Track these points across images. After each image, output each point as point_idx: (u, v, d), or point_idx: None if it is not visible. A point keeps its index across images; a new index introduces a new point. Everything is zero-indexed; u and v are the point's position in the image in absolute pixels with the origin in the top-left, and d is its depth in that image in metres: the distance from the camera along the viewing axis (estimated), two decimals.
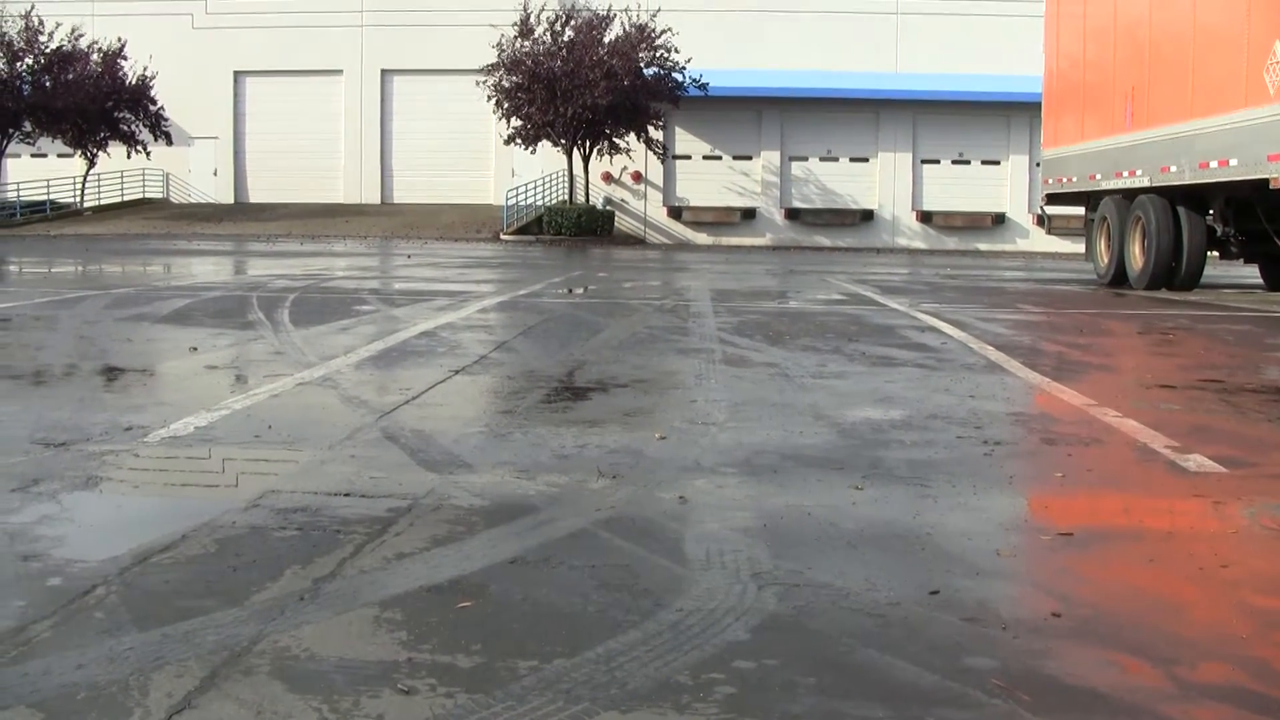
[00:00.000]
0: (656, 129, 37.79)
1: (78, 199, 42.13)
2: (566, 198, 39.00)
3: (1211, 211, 15.56)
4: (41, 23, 38.17)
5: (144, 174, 43.96)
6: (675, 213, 40.91)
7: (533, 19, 36.21)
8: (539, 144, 37.02)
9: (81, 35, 38.57)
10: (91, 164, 41.00)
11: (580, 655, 2.46)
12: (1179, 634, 2.73)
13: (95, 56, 38.69)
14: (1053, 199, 20.73)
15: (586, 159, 38.16)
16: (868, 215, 40.82)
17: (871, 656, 2.50)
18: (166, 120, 40.33)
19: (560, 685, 2.31)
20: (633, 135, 37.06)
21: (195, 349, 7.65)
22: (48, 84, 38.18)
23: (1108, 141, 17.45)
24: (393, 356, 7.43)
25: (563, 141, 36.97)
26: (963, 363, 7.54)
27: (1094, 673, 2.44)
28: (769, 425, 5.16)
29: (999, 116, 39.26)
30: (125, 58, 39.13)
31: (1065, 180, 19.32)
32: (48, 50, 38.48)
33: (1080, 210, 20.08)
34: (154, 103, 39.78)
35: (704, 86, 36.60)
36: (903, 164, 40.75)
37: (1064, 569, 3.25)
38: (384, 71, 43.62)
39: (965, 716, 2.23)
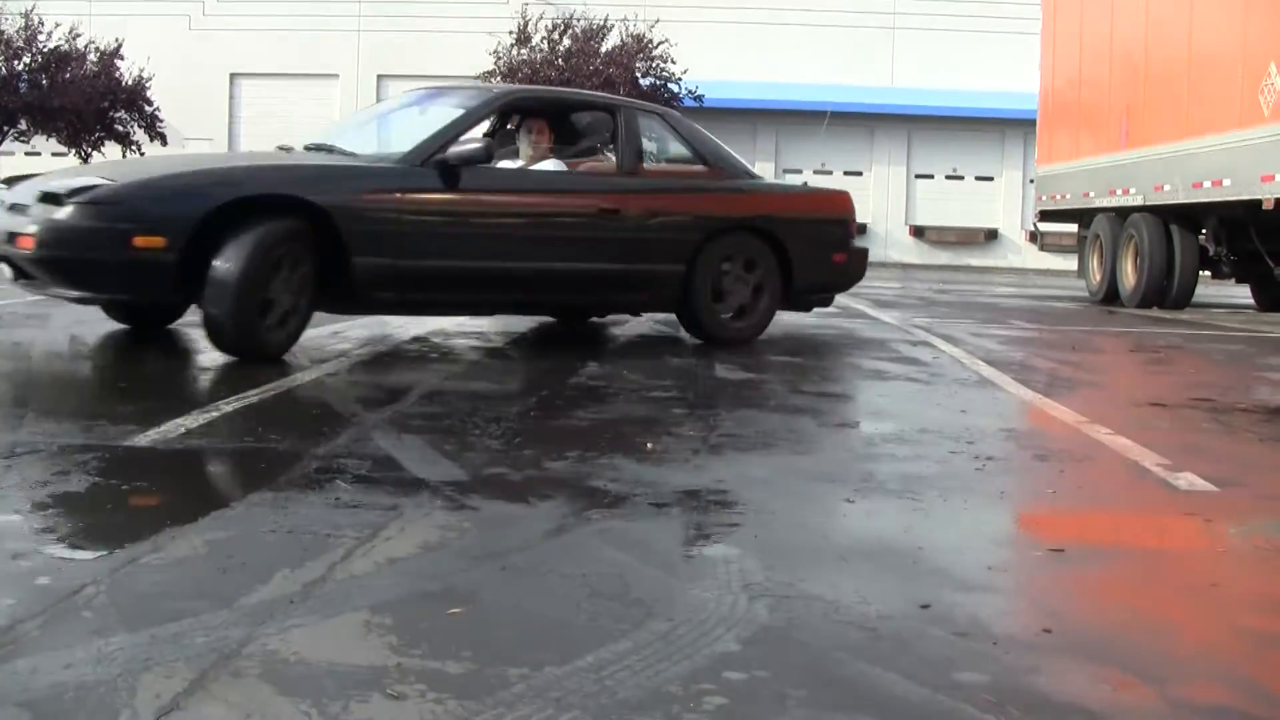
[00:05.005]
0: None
1: None
2: None
3: (1204, 231, 15.60)
4: (41, 22, 38.12)
5: None
6: None
7: (530, 26, 36.21)
8: None
9: (79, 35, 38.48)
10: (86, 163, 40.98)
11: (571, 664, 2.45)
12: (1170, 652, 2.74)
13: (92, 56, 38.62)
14: (1046, 216, 20.75)
15: None
16: (861, 229, 40.88)
17: (862, 669, 2.50)
18: (162, 121, 40.23)
19: (550, 693, 2.30)
20: None
21: (187, 350, 7.63)
22: (44, 83, 38.09)
23: (1102, 160, 17.50)
24: (385, 360, 7.42)
25: None
26: (955, 378, 7.54)
27: (1085, 690, 2.44)
28: (760, 436, 5.16)
29: (994, 132, 39.36)
30: (122, 58, 39.03)
31: (1059, 197, 19.36)
32: (45, 50, 38.41)
33: (1073, 228, 20.11)
34: (150, 103, 39.65)
35: (700, 98, 36.58)
36: (896, 178, 40.84)
37: (1055, 585, 3.25)
38: (380, 76, 43.61)
39: None
